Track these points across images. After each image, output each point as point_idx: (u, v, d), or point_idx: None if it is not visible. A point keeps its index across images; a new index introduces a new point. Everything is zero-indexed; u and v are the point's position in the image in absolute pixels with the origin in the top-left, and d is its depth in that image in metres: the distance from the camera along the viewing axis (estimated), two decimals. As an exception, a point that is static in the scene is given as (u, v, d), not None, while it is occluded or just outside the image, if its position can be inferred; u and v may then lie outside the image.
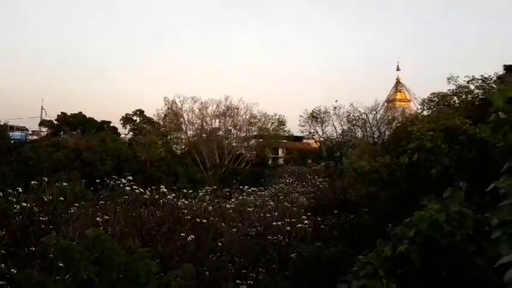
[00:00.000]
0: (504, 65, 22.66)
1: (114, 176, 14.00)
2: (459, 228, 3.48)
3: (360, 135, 24.71)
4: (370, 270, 3.42)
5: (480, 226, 3.71)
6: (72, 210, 12.27)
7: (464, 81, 16.37)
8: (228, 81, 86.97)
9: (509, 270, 2.09)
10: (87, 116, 53.43)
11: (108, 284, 8.12)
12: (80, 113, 53.70)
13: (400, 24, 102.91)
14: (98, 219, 11.42)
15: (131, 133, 53.31)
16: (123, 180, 13.13)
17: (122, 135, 53.23)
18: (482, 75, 16.38)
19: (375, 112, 23.65)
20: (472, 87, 15.98)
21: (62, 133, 51.60)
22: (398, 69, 52.65)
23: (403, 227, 3.72)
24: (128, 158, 41.07)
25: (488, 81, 15.95)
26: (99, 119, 54.10)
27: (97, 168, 35.91)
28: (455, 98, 16.06)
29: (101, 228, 10.62)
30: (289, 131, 51.42)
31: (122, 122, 54.14)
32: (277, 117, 51.44)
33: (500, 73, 20.02)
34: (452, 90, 16.37)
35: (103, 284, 8.14)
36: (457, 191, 3.53)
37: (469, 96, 15.77)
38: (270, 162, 52.76)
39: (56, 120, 54.71)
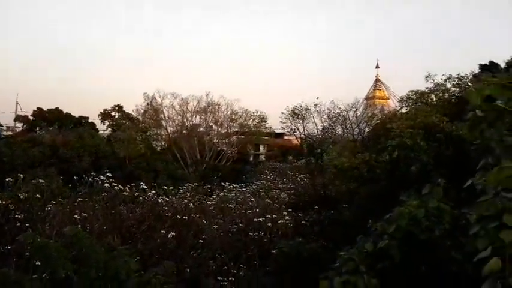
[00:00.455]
0: (479, 64, 23.22)
1: (92, 173, 13.76)
2: (437, 224, 3.56)
3: (340, 132, 24.98)
4: (351, 266, 3.46)
5: (457, 221, 3.79)
6: (49, 208, 12.02)
7: (441, 79, 16.68)
8: (211, 78, 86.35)
9: (487, 265, 2.15)
10: (64, 112, 52.35)
11: (86, 282, 8.01)
12: (57, 108, 52.53)
13: (382, 24, 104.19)
14: (76, 216, 11.21)
15: (110, 129, 52.44)
16: (102, 177, 12.92)
17: (100, 131, 52.32)
18: (458, 74, 16.72)
19: (354, 109, 23.97)
20: (449, 85, 16.29)
21: (37, 129, 50.38)
22: (377, 67, 53.44)
23: (384, 223, 3.78)
24: (106, 155, 40.37)
25: (465, 80, 16.28)
26: (76, 114, 53.12)
27: (74, 164, 35.20)
28: (432, 95, 16.36)
29: (79, 225, 10.45)
30: (270, 127, 51.53)
31: (100, 117, 53.21)
32: (258, 113, 51.46)
33: (476, 72, 20.54)
34: (430, 88, 16.66)
35: (81, 282, 8.03)
36: (435, 187, 3.60)
37: (446, 94, 16.09)
38: (251, 158, 52.79)
39: (31, 115, 53.42)
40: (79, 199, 12.64)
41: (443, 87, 15.98)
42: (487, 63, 23.52)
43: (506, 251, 2.15)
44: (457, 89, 15.77)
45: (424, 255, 4.38)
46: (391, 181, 8.62)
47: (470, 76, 16.73)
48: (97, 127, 53.15)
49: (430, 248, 4.38)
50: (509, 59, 20.73)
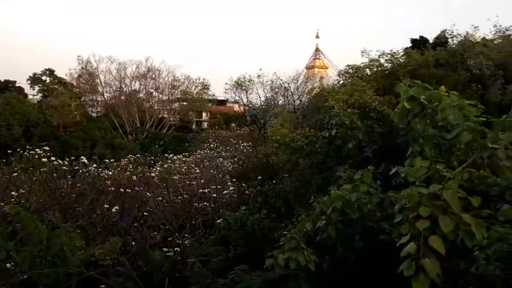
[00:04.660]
0: (411, 39, 24.64)
1: (27, 146, 13.17)
2: (367, 204, 4.06)
3: (282, 103, 25.69)
4: (293, 244, 3.87)
5: (385, 199, 4.32)
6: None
7: (375, 55, 17.69)
8: (152, 44, 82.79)
9: (405, 248, 2.61)
10: (-12, 75, 48.17)
11: (28, 259, 7.93)
12: (-21, 71, 48.22)
13: None
14: (13, 193, 10.80)
15: (40, 95, 49.18)
16: (38, 150, 12.41)
17: (30, 97, 49.00)
18: (391, 50, 17.83)
19: (296, 81, 24.60)
20: (382, 60, 17.37)
21: (-43, 94, 46.06)
22: (317, 36, 54.24)
23: (322, 204, 4.21)
24: (38, 123, 38.17)
25: (396, 56, 17.43)
26: (1, 78, 49.11)
27: (3, 134, 33.02)
28: (367, 70, 17.32)
29: (15, 201, 10.14)
30: (213, 95, 51.14)
31: (29, 82, 49.55)
32: (201, 80, 50.73)
33: (408, 46, 21.87)
34: (365, 63, 17.63)
35: (22, 259, 7.94)
36: (365, 173, 4.07)
37: (379, 68, 17.10)
38: (193, 126, 52.36)
39: (-51, 78, 48.59)
40: (14, 174, 12.11)
41: (377, 63, 17.02)
42: (418, 38, 25.03)
43: (421, 237, 2.62)
44: (390, 65, 16.88)
45: (357, 229, 4.94)
46: (329, 155, 9.23)
47: (402, 52, 17.97)
48: (26, 92, 49.60)
49: (363, 221, 4.93)
50: (436, 36, 22.26)
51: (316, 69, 49.01)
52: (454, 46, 19.03)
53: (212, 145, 30.89)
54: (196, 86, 50.62)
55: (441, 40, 20.50)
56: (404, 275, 2.60)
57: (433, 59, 17.35)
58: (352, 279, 7.11)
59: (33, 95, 50.24)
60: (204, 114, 56.19)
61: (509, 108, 7.51)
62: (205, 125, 53.28)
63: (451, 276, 4.86)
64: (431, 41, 22.37)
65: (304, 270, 7.14)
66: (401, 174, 3.37)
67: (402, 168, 3.47)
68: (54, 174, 12.53)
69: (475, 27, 19.28)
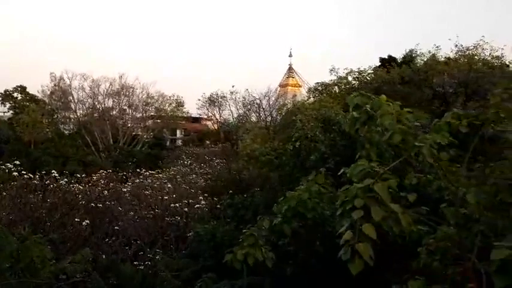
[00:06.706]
0: (380, 58, 25.74)
1: (-1, 162, 13.09)
2: (318, 204, 4.42)
3: (254, 119, 26.20)
4: (252, 241, 4.18)
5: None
6: None
7: (343, 73, 18.47)
8: (126, 62, 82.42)
9: (343, 236, 2.99)
10: (-44, 91, 46.99)
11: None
12: None
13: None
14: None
15: (11, 112, 48.23)
16: (9, 165, 12.36)
17: (1, 114, 48.10)
18: (358, 68, 18.66)
19: (267, 98, 25.25)
20: (350, 78, 18.13)
21: None
22: (290, 55, 55.37)
23: (279, 205, 4.56)
24: (8, 139, 37.41)
25: (363, 74, 18.24)
26: (-29, 94, 47.92)
27: (-29, 150, 32.19)
28: (335, 87, 18.05)
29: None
30: (188, 112, 51.21)
31: (0, 99, 48.59)
32: (175, 98, 50.80)
33: (376, 65, 22.87)
34: (334, 81, 18.38)
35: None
36: (318, 175, 4.45)
37: (347, 86, 17.86)
38: (168, 143, 52.18)
39: None
40: (-17, 189, 12.00)
41: (345, 80, 17.77)
42: (387, 57, 26.17)
43: (356, 225, 2.99)
44: (357, 82, 17.67)
45: (313, 231, 5.29)
46: (295, 167, 9.64)
47: (369, 70, 18.86)
48: (-3, 109, 48.57)
49: (320, 224, 5.29)
50: (403, 55, 23.36)
51: (290, 87, 49.91)
52: (418, 65, 20.01)
53: (186, 162, 31.00)
54: (170, 104, 50.65)
55: (407, 59, 21.55)
56: (342, 259, 2.95)
57: (399, 77, 18.24)
58: (316, 282, 7.44)
59: (4, 112, 49.26)
60: (178, 131, 56.08)
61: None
62: (179, 142, 53.15)
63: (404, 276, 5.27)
64: (399, 60, 23.44)
65: (270, 277, 7.44)
66: (347, 174, 3.75)
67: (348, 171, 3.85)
68: (25, 189, 12.47)
69: (437, 47, 20.36)
